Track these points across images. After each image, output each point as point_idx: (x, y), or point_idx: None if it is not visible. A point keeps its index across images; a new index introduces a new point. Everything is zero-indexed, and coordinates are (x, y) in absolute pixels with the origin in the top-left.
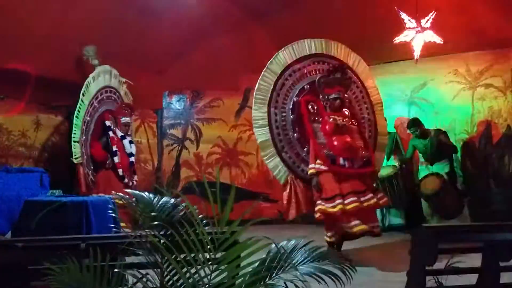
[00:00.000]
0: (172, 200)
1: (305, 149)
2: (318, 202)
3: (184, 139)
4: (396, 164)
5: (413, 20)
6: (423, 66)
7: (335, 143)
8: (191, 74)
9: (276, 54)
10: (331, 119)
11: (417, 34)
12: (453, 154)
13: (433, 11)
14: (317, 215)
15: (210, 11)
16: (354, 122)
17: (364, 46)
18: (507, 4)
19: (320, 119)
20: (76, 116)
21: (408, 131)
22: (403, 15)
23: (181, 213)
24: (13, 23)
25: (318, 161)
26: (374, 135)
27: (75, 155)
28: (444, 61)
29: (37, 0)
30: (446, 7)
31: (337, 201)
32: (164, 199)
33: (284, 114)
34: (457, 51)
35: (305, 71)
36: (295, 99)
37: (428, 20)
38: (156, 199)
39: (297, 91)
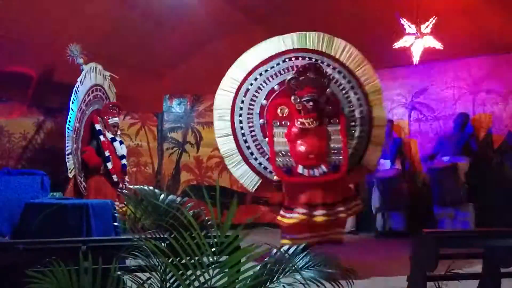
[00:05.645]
0: (178, 199)
1: None
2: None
3: (184, 143)
4: (399, 167)
5: (412, 26)
6: (424, 71)
7: (298, 149)
8: (191, 78)
9: (239, 58)
10: (298, 123)
11: (416, 40)
12: (473, 146)
13: (434, 17)
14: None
15: (210, 15)
16: (334, 121)
17: (365, 50)
18: (509, 9)
19: (289, 123)
20: (68, 128)
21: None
22: (403, 21)
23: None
24: (15, 26)
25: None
26: (368, 129)
27: (69, 169)
28: (445, 66)
29: (39, 3)
30: (447, 12)
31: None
32: (171, 197)
33: (251, 119)
34: (458, 56)
35: (274, 71)
36: (263, 102)
37: (428, 25)
38: (162, 196)
39: (266, 93)
